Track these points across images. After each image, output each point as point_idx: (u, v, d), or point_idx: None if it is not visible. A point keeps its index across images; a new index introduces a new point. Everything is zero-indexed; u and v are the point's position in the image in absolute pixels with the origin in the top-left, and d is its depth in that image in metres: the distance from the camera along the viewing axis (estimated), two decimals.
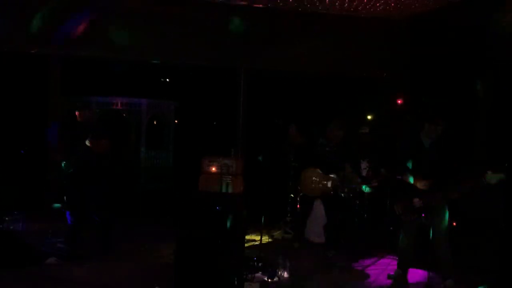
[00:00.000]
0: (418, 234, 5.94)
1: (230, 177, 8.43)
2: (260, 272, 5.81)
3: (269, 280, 5.77)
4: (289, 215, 8.26)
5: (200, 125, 12.72)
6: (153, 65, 10.54)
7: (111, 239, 6.84)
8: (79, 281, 5.51)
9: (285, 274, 5.96)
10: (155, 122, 12.76)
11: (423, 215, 5.61)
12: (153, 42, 9.20)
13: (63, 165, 6.62)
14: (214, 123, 13.53)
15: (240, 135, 9.74)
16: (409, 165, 5.77)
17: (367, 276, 6.24)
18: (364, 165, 7.98)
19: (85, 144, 6.51)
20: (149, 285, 5.47)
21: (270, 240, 7.83)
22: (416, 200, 5.58)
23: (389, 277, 6.12)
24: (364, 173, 7.89)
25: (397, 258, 6.56)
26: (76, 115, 6.74)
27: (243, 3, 9.13)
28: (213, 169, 8.53)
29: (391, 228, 7.49)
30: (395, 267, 6.25)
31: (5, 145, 8.85)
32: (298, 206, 7.83)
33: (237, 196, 7.55)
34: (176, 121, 12.73)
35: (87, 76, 10.58)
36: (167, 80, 13.43)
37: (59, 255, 6.32)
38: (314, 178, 7.25)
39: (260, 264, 5.87)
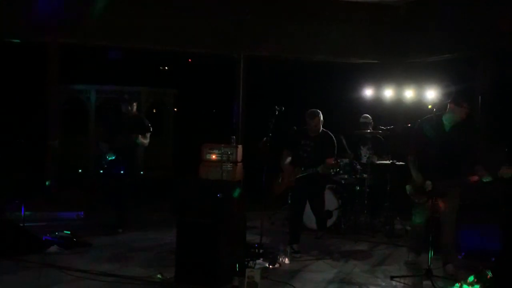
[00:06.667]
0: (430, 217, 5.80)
1: (230, 164, 8.45)
2: (261, 259, 5.84)
3: (270, 266, 5.80)
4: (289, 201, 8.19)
5: (200, 113, 12.71)
6: (152, 53, 10.51)
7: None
8: (81, 269, 5.53)
9: (286, 261, 5.99)
10: (154, 110, 12.74)
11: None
12: (152, 29, 9.16)
13: (106, 155, 7.09)
14: (214, 110, 13.53)
15: (240, 123, 9.72)
16: None
17: (368, 261, 6.25)
18: (364, 151, 7.96)
19: (124, 134, 6.96)
20: (151, 272, 5.49)
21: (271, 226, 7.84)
22: (428, 182, 5.51)
23: (405, 263, 6.04)
24: (364, 160, 7.87)
25: (408, 241, 6.42)
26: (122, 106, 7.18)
27: None
28: (213, 156, 8.54)
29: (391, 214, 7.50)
30: (394, 251, 6.23)
31: (5, 134, 8.84)
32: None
33: (238, 183, 7.55)
34: (175, 109, 12.71)
35: (85, 64, 10.55)
36: (166, 68, 13.38)
37: (61, 243, 6.34)
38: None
39: (261, 251, 5.89)
